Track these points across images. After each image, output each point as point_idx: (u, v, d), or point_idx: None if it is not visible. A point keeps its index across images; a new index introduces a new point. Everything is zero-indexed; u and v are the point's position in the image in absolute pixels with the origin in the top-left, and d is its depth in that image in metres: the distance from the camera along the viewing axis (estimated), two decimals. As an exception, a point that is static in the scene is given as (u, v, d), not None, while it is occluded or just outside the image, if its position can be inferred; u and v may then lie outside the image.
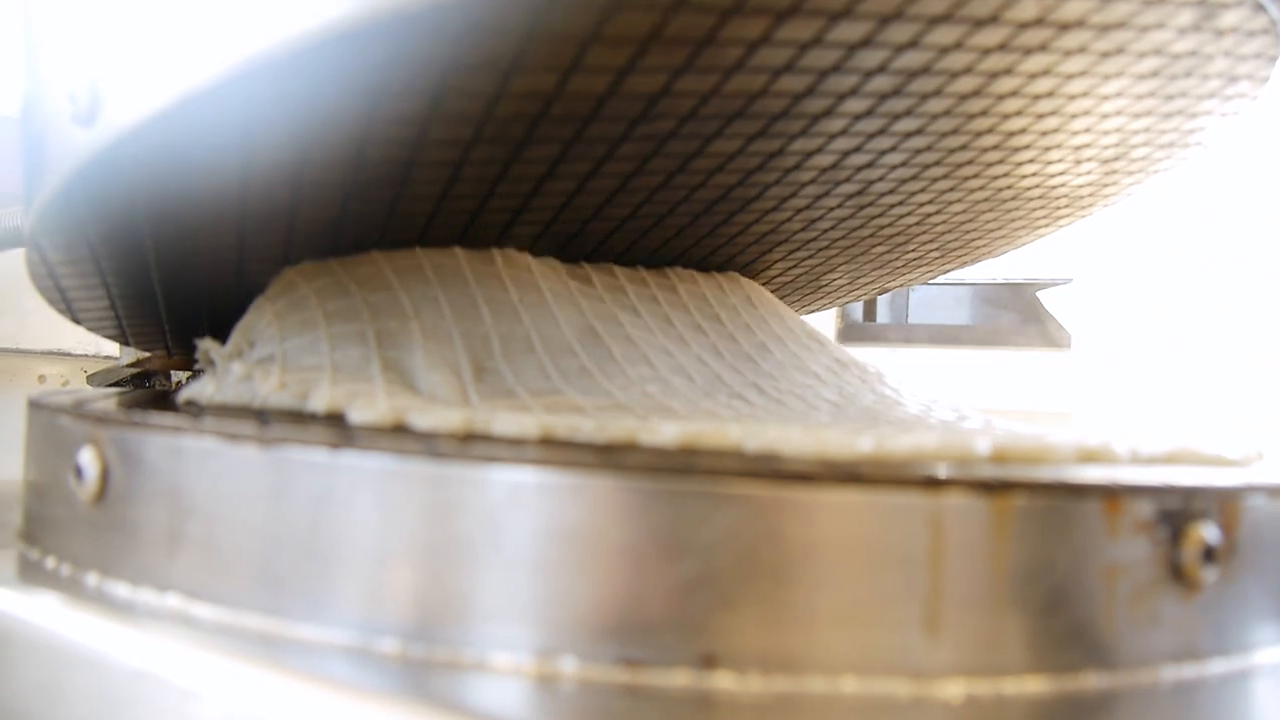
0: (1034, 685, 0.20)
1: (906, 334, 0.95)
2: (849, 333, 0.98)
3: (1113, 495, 0.21)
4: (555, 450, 0.21)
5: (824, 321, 0.96)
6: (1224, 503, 0.22)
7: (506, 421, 0.23)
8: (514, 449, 0.20)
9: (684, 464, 0.20)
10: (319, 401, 0.26)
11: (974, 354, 0.88)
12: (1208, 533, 0.22)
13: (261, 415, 0.25)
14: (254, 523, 0.22)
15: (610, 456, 0.20)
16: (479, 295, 0.32)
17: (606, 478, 0.20)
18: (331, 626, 0.21)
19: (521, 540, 0.20)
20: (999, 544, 0.20)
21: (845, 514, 0.20)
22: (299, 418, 0.25)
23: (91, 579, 0.25)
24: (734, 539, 0.19)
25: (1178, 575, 0.22)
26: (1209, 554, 0.22)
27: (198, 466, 0.23)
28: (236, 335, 0.31)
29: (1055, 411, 0.73)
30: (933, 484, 0.20)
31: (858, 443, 0.23)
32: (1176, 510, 0.22)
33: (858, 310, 0.98)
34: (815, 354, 0.38)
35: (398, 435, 0.23)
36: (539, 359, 0.30)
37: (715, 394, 0.31)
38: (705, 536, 0.19)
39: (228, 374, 0.29)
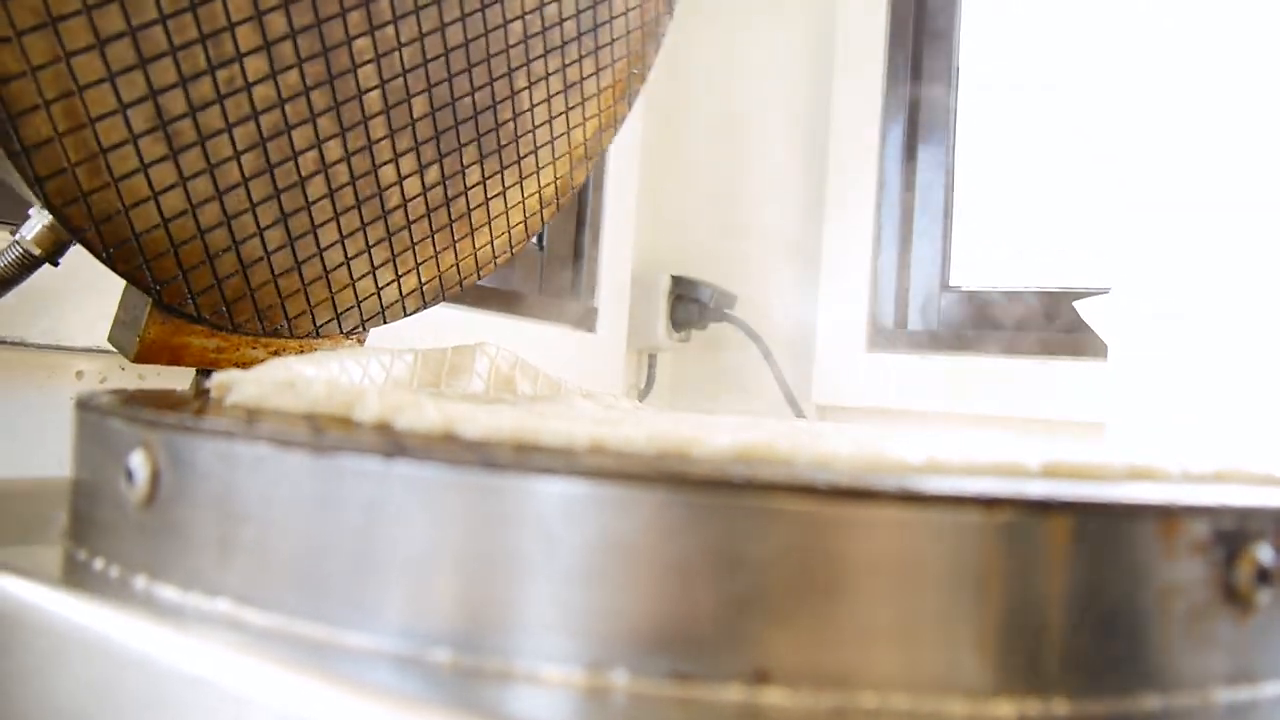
0: (1086, 706, 0.20)
1: (938, 341, 0.95)
2: (878, 339, 0.97)
3: (1168, 516, 0.21)
4: (609, 462, 0.21)
5: (854, 326, 0.96)
6: (1280, 524, 0.22)
7: (555, 432, 0.23)
8: (568, 460, 0.20)
9: (739, 479, 0.20)
10: (366, 412, 0.26)
11: (1006, 363, 0.87)
12: (1263, 554, 0.21)
13: (313, 421, 0.25)
14: (306, 529, 0.22)
15: (664, 470, 0.20)
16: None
17: (661, 491, 0.19)
18: (383, 635, 0.21)
19: (574, 552, 0.20)
20: (1053, 563, 0.20)
21: (898, 531, 0.20)
22: (348, 424, 0.26)
23: (140, 581, 0.25)
24: (787, 554, 0.19)
25: (1232, 597, 0.21)
26: (1264, 575, 0.21)
27: (250, 472, 0.23)
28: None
29: (1089, 422, 0.72)
30: (987, 503, 0.20)
31: (909, 456, 0.23)
32: (1232, 531, 0.21)
33: (889, 316, 0.98)
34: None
35: (450, 444, 0.23)
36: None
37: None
38: (758, 551, 0.19)
39: (268, 380, 0.30)
